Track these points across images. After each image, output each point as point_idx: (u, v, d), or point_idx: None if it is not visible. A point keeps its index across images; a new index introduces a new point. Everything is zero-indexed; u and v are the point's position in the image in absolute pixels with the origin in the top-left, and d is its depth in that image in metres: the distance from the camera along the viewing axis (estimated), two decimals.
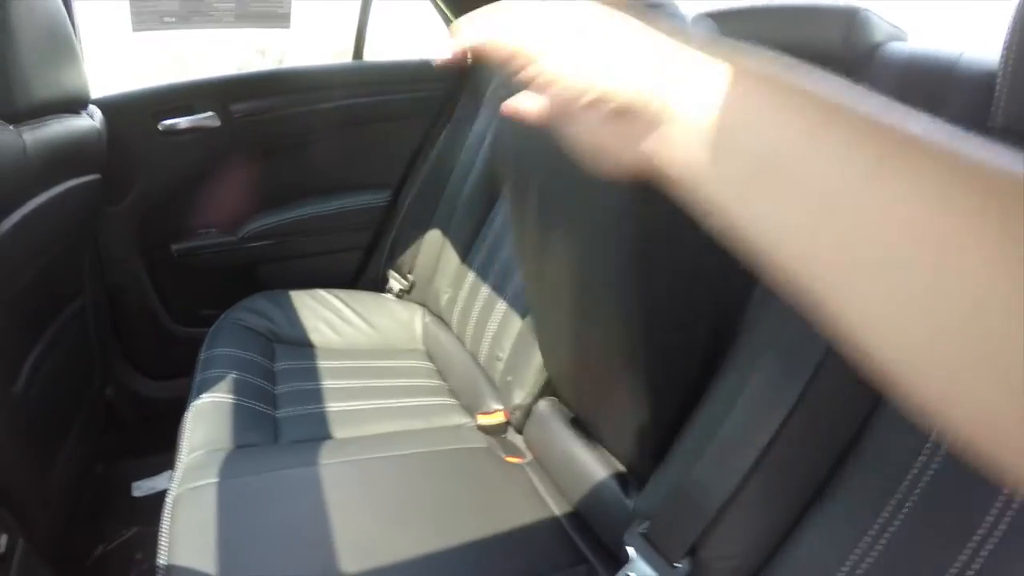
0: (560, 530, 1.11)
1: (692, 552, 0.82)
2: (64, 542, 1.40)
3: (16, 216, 1.15)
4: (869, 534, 0.68)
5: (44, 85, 1.21)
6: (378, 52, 2.19)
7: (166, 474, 1.80)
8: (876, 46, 0.88)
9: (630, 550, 0.87)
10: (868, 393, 0.71)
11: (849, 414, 0.73)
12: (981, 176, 0.25)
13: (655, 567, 0.84)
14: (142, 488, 1.83)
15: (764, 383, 0.78)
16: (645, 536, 0.87)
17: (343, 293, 1.83)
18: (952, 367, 0.25)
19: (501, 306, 1.46)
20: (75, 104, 1.42)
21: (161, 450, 1.83)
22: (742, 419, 0.79)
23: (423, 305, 1.85)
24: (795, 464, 0.76)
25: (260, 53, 4.42)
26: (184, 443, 1.22)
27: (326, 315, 1.73)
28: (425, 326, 1.78)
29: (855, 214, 0.26)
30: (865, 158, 0.26)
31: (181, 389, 1.82)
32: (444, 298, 1.72)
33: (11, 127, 1.13)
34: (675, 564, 0.83)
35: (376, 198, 2.04)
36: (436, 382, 1.58)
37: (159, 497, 1.76)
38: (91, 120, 1.48)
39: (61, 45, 1.28)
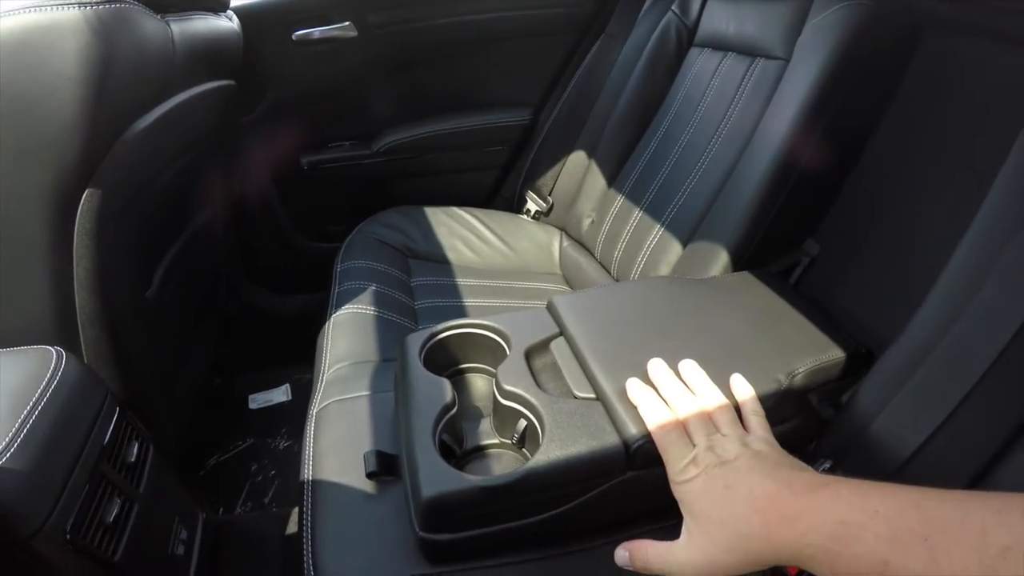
0: None
1: None
2: (184, 450, 1.41)
3: (162, 108, 1.11)
4: None
5: None
6: None
7: (282, 388, 1.81)
8: None
9: None
10: None
11: None
12: None
13: None
14: (258, 401, 1.85)
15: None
16: None
17: (479, 211, 1.76)
18: None
19: (657, 232, 1.36)
20: (216, 4, 1.38)
21: (278, 364, 1.86)
22: (959, 340, 0.70)
23: (562, 229, 1.77)
24: (1006, 400, 0.66)
25: None
26: (325, 355, 1.15)
27: (463, 233, 1.67)
28: (563, 250, 1.69)
29: None
30: None
31: (301, 305, 1.82)
32: (587, 222, 1.63)
33: (158, 16, 1.08)
34: None
35: (516, 116, 1.94)
36: None
37: (274, 411, 1.82)
38: (230, 22, 1.44)
39: None
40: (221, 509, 1.54)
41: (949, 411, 0.68)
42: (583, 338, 0.83)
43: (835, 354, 0.88)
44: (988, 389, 0.66)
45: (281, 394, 1.87)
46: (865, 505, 0.45)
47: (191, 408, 1.46)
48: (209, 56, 1.31)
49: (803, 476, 0.55)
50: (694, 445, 0.64)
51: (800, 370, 0.84)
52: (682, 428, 0.67)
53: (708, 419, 0.68)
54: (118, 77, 0.95)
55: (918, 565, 0.38)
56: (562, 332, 0.87)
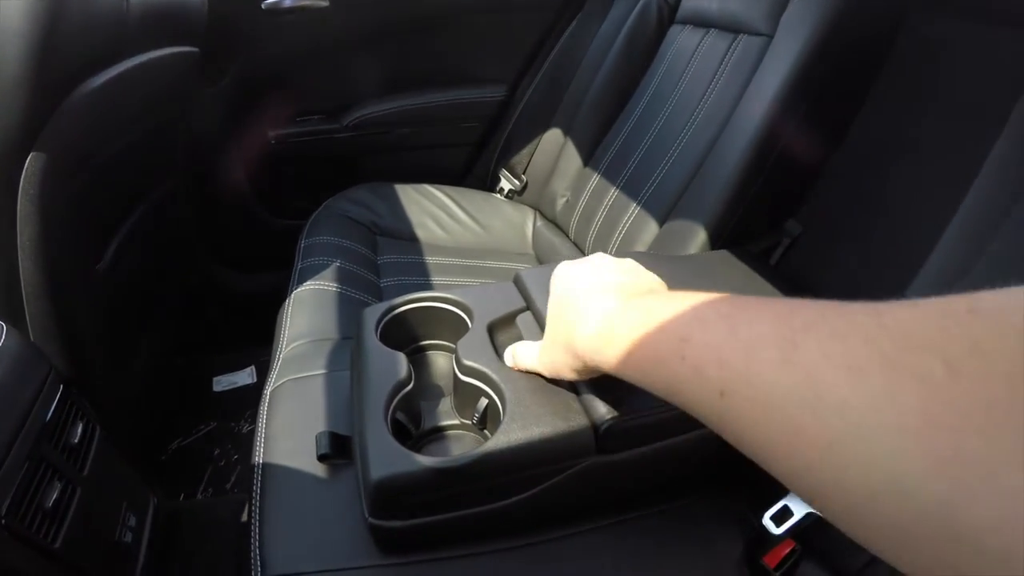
0: None
1: None
2: (141, 434, 1.36)
3: (112, 71, 1.06)
4: None
5: None
6: None
7: (247, 370, 1.76)
8: None
9: None
10: None
11: None
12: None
13: None
14: (222, 383, 1.80)
15: None
16: None
17: (451, 189, 1.72)
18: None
19: (632, 211, 1.33)
20: None
21: (243, 345, 1.81)
22: None
23: (535, 208, 1.73)
24: None
25: None
26: (283, 332, 1.11)
27: (433, 210, 1.62)
28: (536, 230, 1.65)
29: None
30: (711, 391, 0.37)
31: (268, 283, 1.77)
32: (561, 202, 1.60)
33: None
34: None
35: (492, 92, 1.90)
36: None
37: (239, 393, 1.76)
38: None
39: None
40: (182, 495, 1.49)
41: None
42: None
43: None
44: None
45: (246, 376, 1.82)
46: (673, 297, 0.45)
47: (148, 389, 1.41)
48: (169, 19, 1.26)
49: (634, 285, 0.56)
50: None
51: None
52: None
53: None
54: (65, 33, 0.90)
55: (717, 337, 0.37)
56: (528, 306, 0.82)
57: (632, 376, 0.46)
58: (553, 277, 0.64)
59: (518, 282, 0.86)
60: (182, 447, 1.62)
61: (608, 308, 0.51)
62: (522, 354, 0.69)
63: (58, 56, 0.90)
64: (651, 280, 0.57)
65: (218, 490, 1.51)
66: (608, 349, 0.49)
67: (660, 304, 0.45)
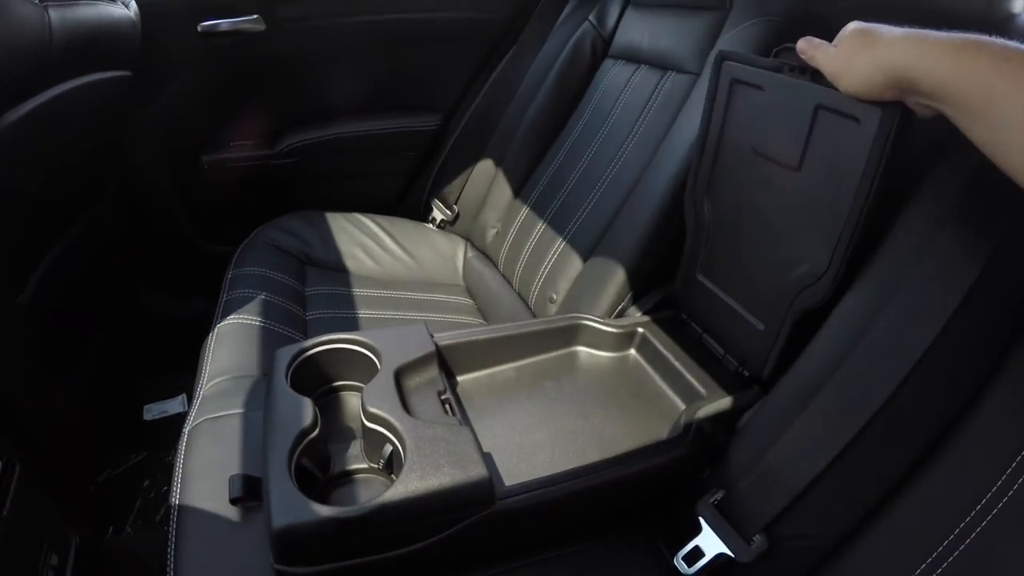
0: None
1: (768, 528, 0.73)
2: (68, 464, 1.33)
3: (35, 101, 1.05)
4: (960, 527, 0.60)
5: None
6: None
7: (179, 398, 1.74)
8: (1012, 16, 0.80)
9: (701, 521, 0.78)
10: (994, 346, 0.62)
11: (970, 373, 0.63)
12: None
13: (727, 541, 0.75)
14: (153, 412, 1.76)
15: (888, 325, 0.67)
16: (718, 507, 0.78)
17: (382, 219, 1.71)
18: None
19: (558, 246, 1.35)
20: None
21: (174, 373, 1.78)
22: (855, 373, 0.69)
23: (467, 238, 1.74)
24: (903, 432, 0.65)
25: None
26: (205, 368, 1.10)
27: (363, 240, 1.62)
28: (467, 261, 1.66)
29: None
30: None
31: (200, 310, 1.74)
32: (491, 233, 1.61)
33: (37, 1, 1.02)
34: (751, 540, 0.74)
35: (425, 122, 1.90)
36: (476, 320, 1.46)
37: (170, 421, 1.73)
38: (125, 9, 1.37)
39: None
40: (111, 528, 1.46)
41: (845, 443, 0.67)
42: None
43: (726, 397, 0.88)
44: (887, 421, 0.65)
45: (177, 404, 1.79)
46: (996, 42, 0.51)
47: (75, 419, 1.38)
48: (97, 45, 1.24)
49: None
50: None
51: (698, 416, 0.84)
52: None
53: None
54: None
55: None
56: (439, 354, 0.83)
57: (949, 86, 0.53)
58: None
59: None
60: (111, 478, 1.58)
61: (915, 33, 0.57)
62: (824, 55, 0.69)
63: None
64: None
65: (147, 523, 1.48)
66: (924, 59, 0.55)
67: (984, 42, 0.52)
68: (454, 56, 1.87)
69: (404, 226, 1.72)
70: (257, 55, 1.69)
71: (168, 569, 0.73)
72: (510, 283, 1.49)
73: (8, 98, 0.99)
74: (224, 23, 1.60)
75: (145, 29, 1.45)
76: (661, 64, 1.36)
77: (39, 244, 1.24)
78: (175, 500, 0.81)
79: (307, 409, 0.74)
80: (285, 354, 0.84)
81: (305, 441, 0.71)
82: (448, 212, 1.81)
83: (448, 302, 1.51)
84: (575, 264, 1.28)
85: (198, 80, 1.67)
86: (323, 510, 0.62)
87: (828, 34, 0.69)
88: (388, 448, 0.72)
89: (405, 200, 1.97)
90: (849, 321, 0.74)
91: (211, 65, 1.66)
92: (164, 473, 1.60)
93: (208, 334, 1.20)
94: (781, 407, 0.78)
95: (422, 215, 1.88)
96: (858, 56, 0.63)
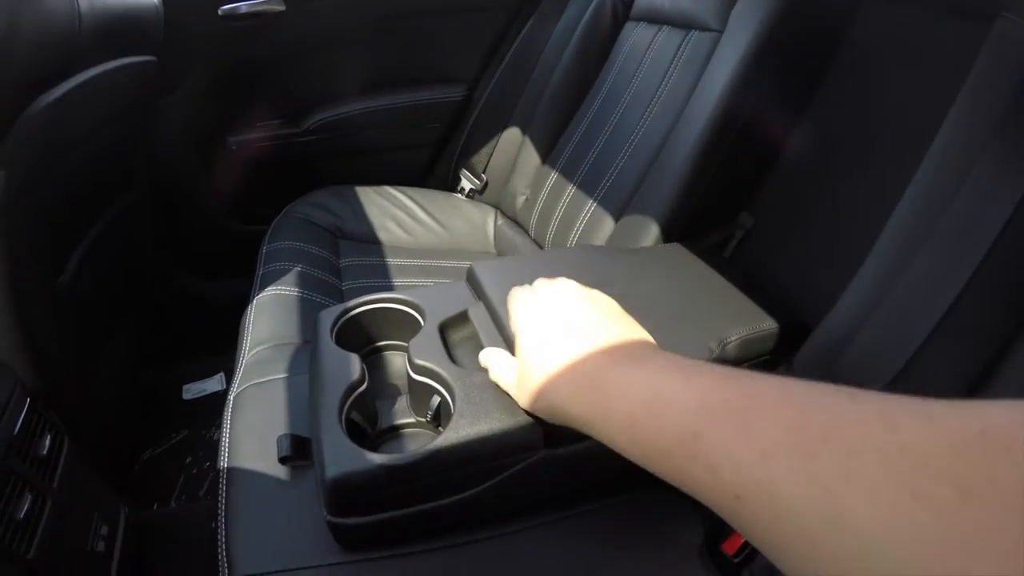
0: None
1: None
2: (112, 445, 1.36)
3: (66, 86, 1.07)
4: None
5: None
6: None
7: (217, 377, 1.77)
8: None
9: None
10: None
11: None
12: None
13: None
14: (192, 391, 1.81)
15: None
16: None
17: (412, 191, 1.73)
18: None
19: (589, 207, 1.35)
20: None
21: (212, 352, 1.82)
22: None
23: (496, 207, 1.75)
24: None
25: None
26: (246, 338, 1.12)
27: (395, 212, 1.63)
28: (498, 228, 1.67)
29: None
30: (726, 493, 0.36)
31: (234, 290, 1.76)
32: (521, 200, 1.62)
33: None
34: None
35: (450, 93, 1.90)
36: None
37: (209, 400, 1.76)
38: None
39: None
40: (156, 504, 1.49)
41: (886, 383, 0.66)
42: (503, 305, 0.79)
43: (768, 325, 0.87)
44: (927, 359, 0.65)
45: (216, 383, 1.82)
46: (680, 377, 0.43)
47: (117, 400, 1.41)
48: (124, 30, 1.26)
49: (627, 344, 0.53)
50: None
51: (732, 339, 0.83)
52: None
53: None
54: (18, 49, 0.91)
55: (730, 438, 0.36)
56: (482, 300, 0.84)
57: (634, 457, 0.44)
58: (515, 310, 0.65)
59: (471, 277, 0.88)
60: (154, 457, 1.62)
61: (595, 376, 0.50)
62: (500, 372, 0.67)
63: (12, 72, 0.91)
64: (629, 329, 0.56)
65: (191, 498, 1.51)
66: (602, 426, 0.48)
67: (656, 376, 0.44)
68: (476, 26, 1.87)
69: (434, 197, 1.73)
70: (278, 35, 1.70)
71: (219, 530, 0.74)
72: (541, 248, 1.50)
73: (41, 83, 1.01)
74: (244, 5, 1.61)
75: (167, 14, 1.46)
76: (683, 23, 1.35)
77: (76, 227, 1.26)
78: (223, 463, 0.83)
79: (355, 364, 0.75)
80: (329, 315, 0.85)
81: (355, 395, 0.72)
82: (477, 181, 1.82)
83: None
84: (607, 225, 1.28)
85: (221, 63, 1.69)
86: (376, 458, 0.63)
87: None
88: (436, 399, 0.72)
89: (433, 171, 1.98)
90: (886, 263, 0.74)
91: (233, 47, 1.68)
92: (206, 450, 1.63)
93: (247, 307, 1.22)
94: (823, 350, 0.78)
95: (450, 186, 1.90)
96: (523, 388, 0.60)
